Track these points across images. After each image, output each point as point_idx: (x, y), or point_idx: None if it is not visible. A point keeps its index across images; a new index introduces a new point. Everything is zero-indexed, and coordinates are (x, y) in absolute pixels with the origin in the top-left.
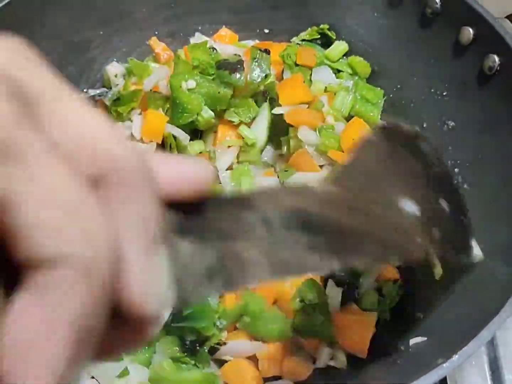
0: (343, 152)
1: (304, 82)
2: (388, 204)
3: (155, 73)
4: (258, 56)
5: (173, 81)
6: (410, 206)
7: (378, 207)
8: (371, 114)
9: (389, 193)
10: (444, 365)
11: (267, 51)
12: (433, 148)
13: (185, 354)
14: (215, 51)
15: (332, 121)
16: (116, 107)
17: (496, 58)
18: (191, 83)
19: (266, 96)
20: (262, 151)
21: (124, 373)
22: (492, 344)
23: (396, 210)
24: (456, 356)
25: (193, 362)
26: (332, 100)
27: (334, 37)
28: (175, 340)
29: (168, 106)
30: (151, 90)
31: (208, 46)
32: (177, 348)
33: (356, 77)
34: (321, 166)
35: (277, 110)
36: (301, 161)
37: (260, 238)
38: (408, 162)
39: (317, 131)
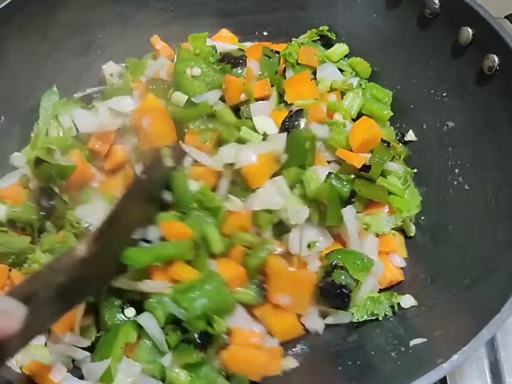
0: (351, 150)
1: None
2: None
3: (156, 61)
4: (269, 54)
5: (178, 66)
6: (138, 232)
7: (118, 245)
8: (385, 112)
9: (129, 231)
10: (444, 365)
11: (277, 52)
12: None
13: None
14: (215, 50)
15: (340, 118)
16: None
17: (496, 58)
18: (197, 71)
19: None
20: None
21: None
22: (492, 347)
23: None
24: (456, 356)
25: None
26: (341, 100)
27: (334, 38)
28: (186, 348)
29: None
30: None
31: (209, 45)
32: (191, 355)
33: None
34: (329, 162)
35: None
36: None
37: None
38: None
39: (327, 126)
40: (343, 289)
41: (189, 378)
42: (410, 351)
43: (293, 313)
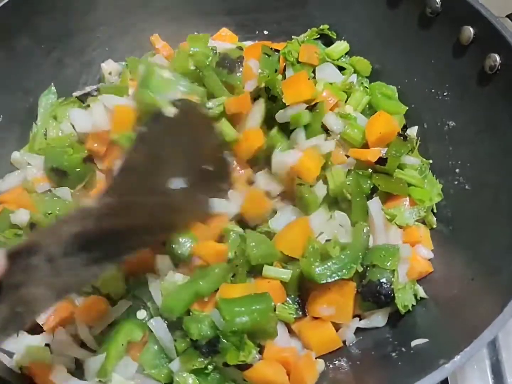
0: (367, 144)
1: (308, 79)
2: (157, 190)
3: (153, 59)
4: (268, 52)
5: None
6: (177, 183)
7: (148, 197)
8: (402, 107)
9: (156, 181)
10: (446, 365)
11: (277, 50)
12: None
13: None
14: (215, 52)
15: (351, 111)
16: None
17: (497, 57)
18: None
19: (269, 93)
20: None
21: None
22: (494, 348)
23: (164, 192)
24: (458, 356)
25: (211, 367)
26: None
27: (335, 37)
28: (194, 353)
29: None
30: None
31: (209, 46)
32: (197, 360)
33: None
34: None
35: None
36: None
37: (45, 276)
38: (178, 140)
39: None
40: (383, 284)
41: (197, 381)
42: (412, 351)
43: (336, 323)
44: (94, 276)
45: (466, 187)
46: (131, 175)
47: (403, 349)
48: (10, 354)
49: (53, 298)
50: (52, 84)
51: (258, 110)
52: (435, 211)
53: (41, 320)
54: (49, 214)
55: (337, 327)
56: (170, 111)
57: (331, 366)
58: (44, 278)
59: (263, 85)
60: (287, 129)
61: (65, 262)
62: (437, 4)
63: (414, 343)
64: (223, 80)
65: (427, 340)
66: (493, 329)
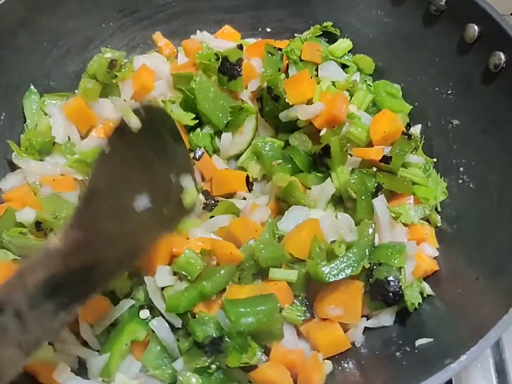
0: (371, 144)
1: (311, 77)
2: (124, 213)
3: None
4: (271, 51)
5: None
6: (143, 201)
7: (115, 224)
8: (406, 106)
9: (124, 203)
10: (452, 365)
11: (279, 49)
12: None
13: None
14: (218, 58)
15: (355, 110)
16: None
17: (502, 55)
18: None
19: (271, 93)
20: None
21: None
22: (498, 347)
23: (131, 215)
24: (464, 356)
25: (214, 366)
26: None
27: (339, 34)
28: (197, 352)
29: None
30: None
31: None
32: (201, 359)
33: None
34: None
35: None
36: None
37: (13, 334)
38: (143, 152)
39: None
40: (391, 282)
41: (200, 381)
42: (416, 351)
43: (344, 324)
44: (62, 324)
45: (471, 185)
46: (96, 202)
47: (407, 348)
48: None
49: (22, 357)
50: (31, 84)
51: (250, 128)
52: (439, 209)
53: None
54: (55, 216)
55: (345, 328)
56: (135, 123)
57: (338, 367)
58: (14, 335)
59: (265, 84)
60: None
61: (33, 315)
62: (442, 1)
63: (418, 342)
64: (224, 87)
65: (431, 339)
66: (498, 329)
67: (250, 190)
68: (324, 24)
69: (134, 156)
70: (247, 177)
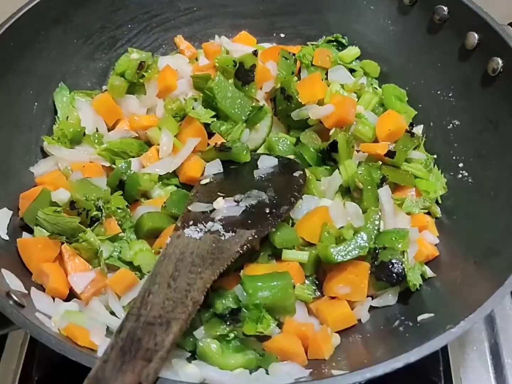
0: (377, 140)
1: (322, 80)
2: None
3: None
4: (286, 56)
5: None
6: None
7: None
8: (411, 110)
9: None
10: (452, 330)
11: (293, 54)
12: None
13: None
14: (235, 65)
15: (362, 110)
16: None
17: (500, 61)
18: None
19: (284, 93)
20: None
21: None
22: (492, 331)
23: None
24: (464, 322)
25: (232, 335)
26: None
27: (347, 44)
28: (217, 321)
29: None
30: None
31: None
32: (220, 327)
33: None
34: (357, 151)
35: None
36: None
37: None
38: None
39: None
40: (395, 264)
41: (220, 347)
42: (418, 325)
43: (351, 302)
44: None
45: (469, 180)
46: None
47: (410, 323)
48: (49, 316)
49: None
50: (61, 82)
51: (266, 126)
52: (440, 202)
53: (79, 289)
54: (86, 198)
55: (352, 306)
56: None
57: (346, 340)
58: None
59: (279, 85)
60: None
61: None
62: (445, 11)
63: (420, 317)
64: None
65: (432, 314)
66: (493, 300)
67: None
68: (334, 35)
69: None
70: None
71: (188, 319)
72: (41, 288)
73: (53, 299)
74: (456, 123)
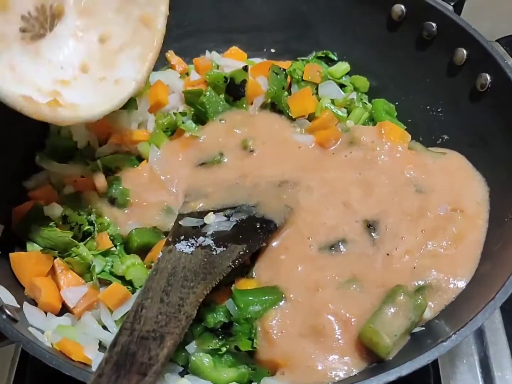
0: None
1: (312, 95)
2: None
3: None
4: (277, 71)
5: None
6: None
7: None
8: (401, 125)
9: None
10: (444, 343)
11: (284, 69)
12: None
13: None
14: (226, 80)
15: (352, 125)
16: None
17: (488, 77)
18: None
19: (275, 108)
20: None
21: None
22: (482, 344)
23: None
24: (455, 335)
25: (224, 349)
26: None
27: (337, 59)
28: (209, 336)
29: None
30: None
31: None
32: (212, 341)
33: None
34: None
35: None
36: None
37: None
38: None
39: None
40: None
41: (212, 361)
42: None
43: None
44: None
45: None
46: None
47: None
48: (41, 330)
49: None
50: None
51: None
52: None
53: (71, 304)
54: (78, 213)
55: None
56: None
57: None
58: None
59: (269, 100)
60: None
61: None
62: (433, 28)
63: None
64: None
65: (423, 328)
66: (485, 313)
67: None
68: (324, 51)
69: None
70: None
71: (182, 333)
72: (34, 302)
73: (46, 313)
74: (445, 137)
